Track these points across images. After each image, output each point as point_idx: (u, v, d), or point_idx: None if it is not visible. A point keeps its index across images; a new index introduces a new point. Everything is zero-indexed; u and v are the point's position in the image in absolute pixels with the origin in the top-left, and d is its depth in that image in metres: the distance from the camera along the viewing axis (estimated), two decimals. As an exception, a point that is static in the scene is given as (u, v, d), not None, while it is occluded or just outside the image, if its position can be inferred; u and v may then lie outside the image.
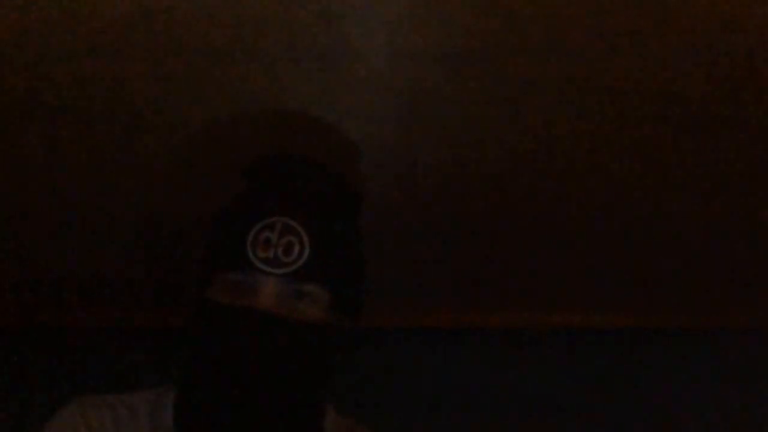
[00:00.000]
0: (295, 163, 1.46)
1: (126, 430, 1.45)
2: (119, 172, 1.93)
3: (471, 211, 2.09)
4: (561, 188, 1.97)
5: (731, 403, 2.60)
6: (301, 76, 1.61)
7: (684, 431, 2.60)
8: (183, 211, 2.06)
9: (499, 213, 2.08)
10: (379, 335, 2.44)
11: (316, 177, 1.44)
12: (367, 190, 1.66)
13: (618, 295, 2.50)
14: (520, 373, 2.63)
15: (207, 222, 1.58)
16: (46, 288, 2.40)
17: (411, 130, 1.75)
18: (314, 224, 1.38)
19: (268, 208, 1.38)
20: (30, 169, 1.92)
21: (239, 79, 1.62)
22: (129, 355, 2.58)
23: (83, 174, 1.93)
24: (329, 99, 1.67)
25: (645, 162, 1.89)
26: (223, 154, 1.84)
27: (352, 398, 1.65)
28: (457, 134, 1.77)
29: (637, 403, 2.62)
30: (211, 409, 1.39)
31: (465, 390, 2.62)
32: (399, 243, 2.20)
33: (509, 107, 1.68)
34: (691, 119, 1.75)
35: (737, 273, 2.34)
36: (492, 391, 2.61)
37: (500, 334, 2.64)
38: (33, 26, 1.48)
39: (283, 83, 1.64)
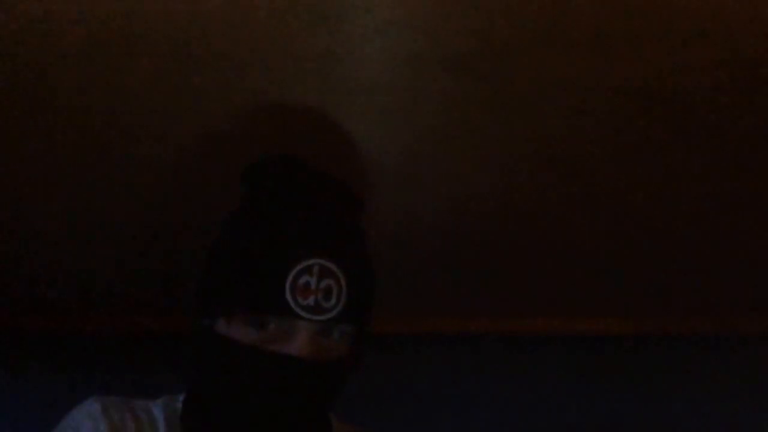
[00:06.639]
0: (308, 178, 1.46)
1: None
2: (119, 176, 1.92)
3: (472, 217, 2.09)
4: (562, 191, 1.97)
5: (734, 410, 2.59)
6: (300, 79, 1.60)
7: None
8: (183, 217, 2.07)
9: (499, 218, 2.08)
10: (382, 342, 2.44)
11: (334, 195, 1.45)
12: (366, 195, 1.65)
13: (621, 301, 2.49)
14: (523, 380, 2.63)
15: (205, 230, 1.58)
16: (46, 293, 2.41)
17: (410, 134, 1.75)
18: (348, 262, 1.39)
19: (304, 248, 1.37)
20: (29, 173, 1.92)
21: (238, 83, 1.62)
22: (130, 362, 2.59)
23: (83, 178, 1.93)
24: (328, 102, 1.67)
25: (645, 165, 1.88)
26: (225, 159, 1.84)
27: (354, 405, 1.65)
28: (458, 137, 1.76)
29: (641, 411, 2.62)
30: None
31: (468, 396, 2.62)
32: (400, 250, 2.20)
33: (510, 110, 1.68)
34: (692, 122, 1.74)
35: (740, 279, 2.34)
36: (495, 398, 2.61)
37: (503, 340, 2.64)
38: (33, 25, 1.47)
39: (281, 87, 1.63)
